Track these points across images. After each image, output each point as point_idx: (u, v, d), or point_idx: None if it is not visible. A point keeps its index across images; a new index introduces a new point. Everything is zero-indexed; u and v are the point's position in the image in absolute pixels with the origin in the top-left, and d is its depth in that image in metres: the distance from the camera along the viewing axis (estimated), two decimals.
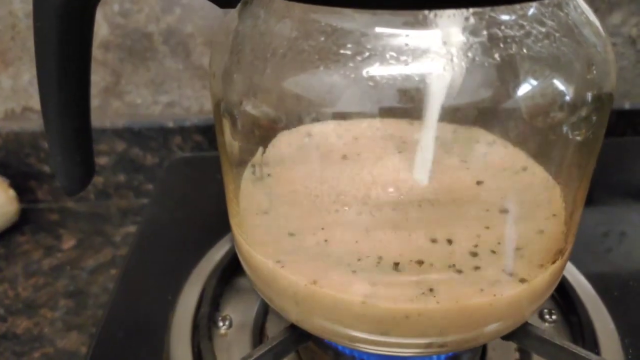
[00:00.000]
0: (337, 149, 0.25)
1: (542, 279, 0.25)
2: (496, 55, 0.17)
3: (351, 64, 0.18)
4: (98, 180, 0.58)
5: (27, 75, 0.54)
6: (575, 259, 0.37)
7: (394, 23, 0.18)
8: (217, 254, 0.37)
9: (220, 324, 0.32)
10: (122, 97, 0.56)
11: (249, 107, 0.22)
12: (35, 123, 0.55)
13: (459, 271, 0.23)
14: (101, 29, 0.52)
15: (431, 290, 0.23)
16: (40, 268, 0.48)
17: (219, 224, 0.38)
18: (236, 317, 0.32)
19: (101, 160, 0.57)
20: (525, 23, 0.18)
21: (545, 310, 0.32)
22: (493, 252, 0.24)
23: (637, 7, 0.55)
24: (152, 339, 0.32)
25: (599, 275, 0.37)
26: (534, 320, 0.33)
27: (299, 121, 0.21)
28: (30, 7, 0.52)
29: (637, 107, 0.59)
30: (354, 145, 0.25)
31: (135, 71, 0.54)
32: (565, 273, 0.35)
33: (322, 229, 0.24)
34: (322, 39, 0.18)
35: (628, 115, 0.60)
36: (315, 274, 0.23)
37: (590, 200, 0.47)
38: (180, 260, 0.38)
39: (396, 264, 0.23)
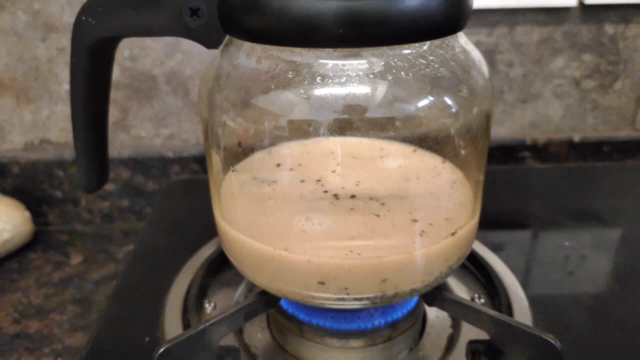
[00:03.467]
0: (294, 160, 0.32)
1: (447, 244, 0.30)
2: (406, 77, 0.25)
3: (301, 89, 0.25)
4: (104, 204, 0.61)
5: (46, 111, 0.58)
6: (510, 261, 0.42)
7: (334, 56, 0.25)
8: (206, 252, 0.42)
9: (207, 305, 0.37)
10: (128, 130, 0.60)
11: (228, 121, 0.29)
12: (50, 154, 0.59)
13: (384, 237, 0.29)
14: (113, 71, 0.58)
15: (359, 253, 0.28)
16: (50, 280, 0.51)
17: (208, 231, 0.43)
18: (220, 302, 0.37)
19: (108, 187, 0.60)
20: (415, 58, 0.25)
21: (476, 295, 0.38)
22: (414, 220, 0.30)
23: (576, 52, 0.61)
24: (149, 321, 0.36)
25: (525, 271, 0.41)
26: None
27: (264, 132, 0.28)
28: (51, 52, 0.59)
29: (585, 140, 0.64)
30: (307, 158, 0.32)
31: (141, 108, 0.59)
32: (497, 267, 0.40)
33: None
34: (281, 67, 0.25)
35: (578, 147, 0.65)
36: (281, 243, 0.29)
37: (545, 224, 0.50)
38: (173, 261, 0.42)
39: (336, 233, 0.29)
